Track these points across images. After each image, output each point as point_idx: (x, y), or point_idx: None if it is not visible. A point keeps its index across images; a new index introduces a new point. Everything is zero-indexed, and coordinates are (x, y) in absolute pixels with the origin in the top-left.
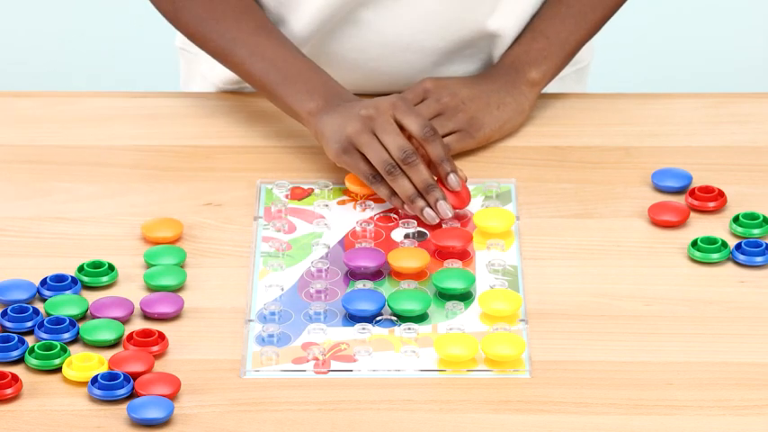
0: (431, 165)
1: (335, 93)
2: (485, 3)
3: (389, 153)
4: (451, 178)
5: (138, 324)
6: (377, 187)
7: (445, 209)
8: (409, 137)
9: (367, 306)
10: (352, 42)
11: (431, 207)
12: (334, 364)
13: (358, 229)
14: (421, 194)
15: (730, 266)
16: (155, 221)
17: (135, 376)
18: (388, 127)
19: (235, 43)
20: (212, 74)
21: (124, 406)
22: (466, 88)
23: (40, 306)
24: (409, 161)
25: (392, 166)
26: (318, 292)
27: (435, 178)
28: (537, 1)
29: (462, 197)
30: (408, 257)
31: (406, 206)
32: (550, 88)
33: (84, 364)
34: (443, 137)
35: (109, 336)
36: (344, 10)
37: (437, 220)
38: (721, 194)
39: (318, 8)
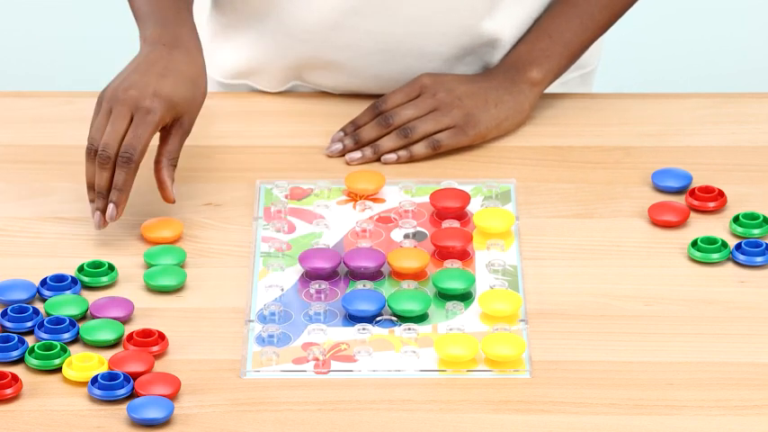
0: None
1: (174, 34)
2: (484, 9)
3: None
4: (110, 207)
5: (138, 324)
6: (87, 160)
7: (98, 219)
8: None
9: (367, 306)
10: (351, 50)
11: (100, 211)
12: (335, 365)
13: (357, 229)
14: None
15: (730, 266)
16: (155, 221)
17: (135, 376)
18: (119, 117)
19: None
20: (210, 68)
21: (124, 406)
22: (463, 85)
23: (40, 306)
24: (101, 161)
25: (93, 151)
26: (318, 292)
27: None
28: (538, 7)
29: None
30: (408, 258)
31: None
32: (553, 90)
33: (84, 364)
34: (437, 132)
35: (109, 336)
36: (341, 18)
37: (99, 226)
38: (721, 194)
39: (316, 17)
